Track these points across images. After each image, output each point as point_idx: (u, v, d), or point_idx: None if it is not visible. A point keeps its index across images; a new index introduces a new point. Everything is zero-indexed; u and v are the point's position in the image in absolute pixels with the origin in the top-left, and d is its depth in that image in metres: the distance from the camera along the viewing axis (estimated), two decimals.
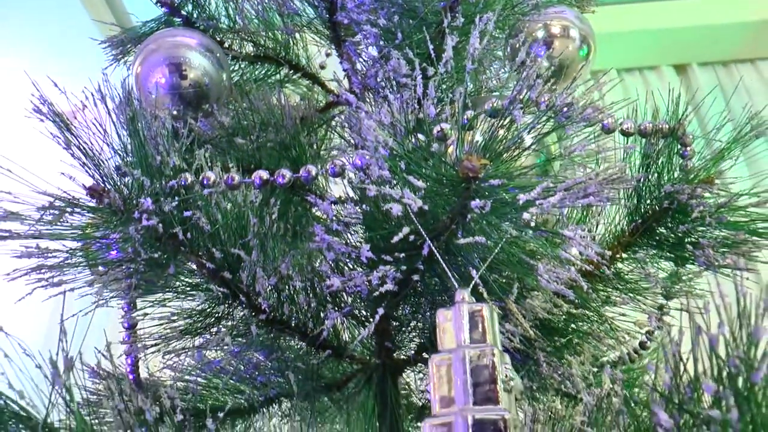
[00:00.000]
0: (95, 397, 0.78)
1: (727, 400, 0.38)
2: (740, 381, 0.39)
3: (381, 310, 0.61)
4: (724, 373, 0.40)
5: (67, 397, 0.50)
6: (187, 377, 0.86)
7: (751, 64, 3.32)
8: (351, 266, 0.65)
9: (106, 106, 0.63)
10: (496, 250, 0.57)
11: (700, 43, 3.18)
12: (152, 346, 0.77)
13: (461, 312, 0.50)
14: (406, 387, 1.04)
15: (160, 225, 0.61)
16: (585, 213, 0.80)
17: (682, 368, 0.42)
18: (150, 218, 0.59)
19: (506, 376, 0.48)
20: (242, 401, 0.92)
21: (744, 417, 0.38)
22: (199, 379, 0.88)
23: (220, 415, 0.72)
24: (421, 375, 0.98)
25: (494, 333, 0.50)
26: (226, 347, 0.77)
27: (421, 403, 1.02)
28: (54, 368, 0.48)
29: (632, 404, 0.51)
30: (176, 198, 0.62)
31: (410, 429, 1.09)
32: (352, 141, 0.90)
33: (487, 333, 0.50)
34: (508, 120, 0.57)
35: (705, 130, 0.78)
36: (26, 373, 0.50)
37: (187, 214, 0.63)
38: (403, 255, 0.59)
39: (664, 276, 0.80)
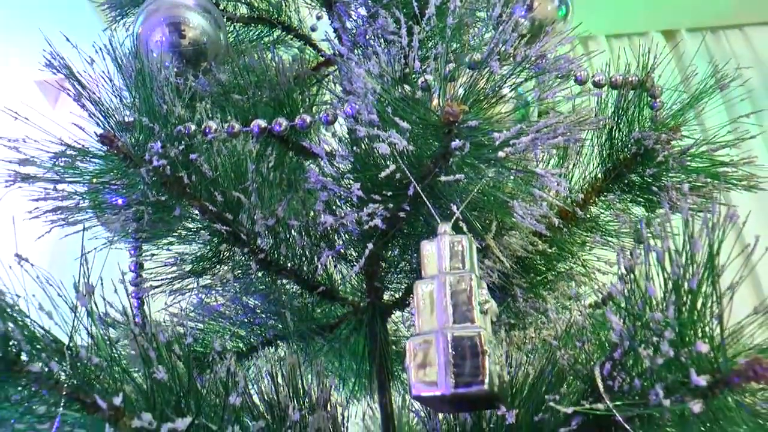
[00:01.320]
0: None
1: (670, 305, 0.44)
2: (682, 290, 0.45)
3: (370, 245, 0.66)
4: (669, 284, 0.46)
5: (89, 322, 0.56)
6: (187, 322, 0.91)
7: (739, 30, 3.35)
8: (342, 207, 0.70)
9: (115, 60, 0.68)
10: (476, 189, 0.62)
11: (688, 9, 3.20)
12: (158, 286, 0.82)
13: (443, 242, 0.56)
14: (397, 335, 1.09)
15: (168, 168, 0.66)
16: (561, 160, 0.86)
17: (634, 282, 0.48)
18: (159, 160, 0.64)
19: (482, 299, 0.54)
20: (240, 345, 0.98)
21: (681, 318, 0.43)
22: (198, 324, 0.94)
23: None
24: (410, 322, 1.03)
25: (472, 261, 0.56)
26: (228, 285, 0.82)
27: None
28: (78, 292, 0.53)
29: (595, 324, 0.57)
30: (182, 143, 0.67)
31: (401, 374, 1.15)
32: (343, 96, 0.95)
33: (466, 261, 0.56)
34: (486, 71, 0.62)
35: (690, 91, 0.83)
36: (49, 299, 0.55)
37: (193, 157, 0.67)
38: (390, 194, 0.65)
39: (635, 220, 0.86)
